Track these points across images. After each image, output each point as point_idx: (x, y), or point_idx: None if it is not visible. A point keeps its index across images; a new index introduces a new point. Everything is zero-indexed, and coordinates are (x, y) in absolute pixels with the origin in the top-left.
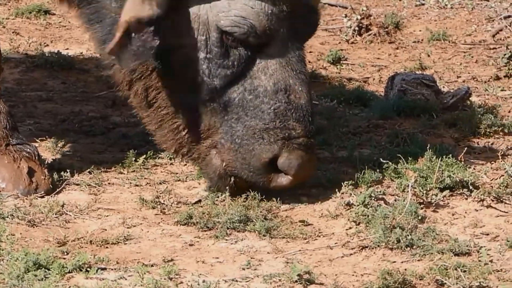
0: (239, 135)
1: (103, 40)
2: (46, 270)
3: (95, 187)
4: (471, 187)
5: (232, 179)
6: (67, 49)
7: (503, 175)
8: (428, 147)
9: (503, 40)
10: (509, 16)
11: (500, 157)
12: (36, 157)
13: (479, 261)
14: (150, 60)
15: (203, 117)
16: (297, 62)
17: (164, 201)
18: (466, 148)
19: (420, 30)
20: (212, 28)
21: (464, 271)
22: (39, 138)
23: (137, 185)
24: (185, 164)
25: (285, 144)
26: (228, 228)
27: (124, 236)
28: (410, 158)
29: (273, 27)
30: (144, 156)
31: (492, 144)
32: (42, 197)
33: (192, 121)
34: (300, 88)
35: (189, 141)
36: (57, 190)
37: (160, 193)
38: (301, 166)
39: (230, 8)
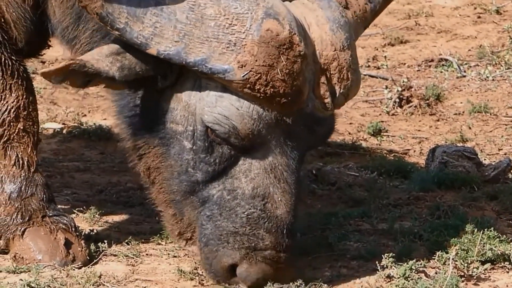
0: (207, 233)
1: (119, 112)
2: None
3: (133, 258)
4: None
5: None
6: (105, 119)
7: None
8: (469, 220)
9: None
10: None
11: None
12: (73, 229)
13: None
14: (148, 137)
15: (185, 210)
16: (284, 170)
17: (202, 272)
18: (507, 221)
19: (461, 102)
20: (198, 120)
21: None
22: (76, 209)
23: (175, 256)
24: None
25: (248, 254)
26: None
27: None
28: (451, 231)
29: (260, 132)
30: None
31: None
32: (79, 268)
33: (180, 211)
34: (279, 198)
35: (187, 230)
36: (94, 261)
37: (198, 264)
38: (259, 281)
39: (216, 104)
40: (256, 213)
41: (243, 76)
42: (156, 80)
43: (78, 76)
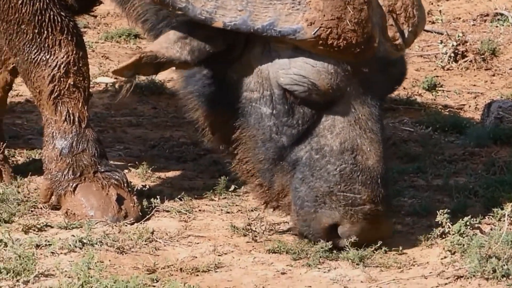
0: (301, 196)
1: (186, 82)
2: None
3: (186, 214)
4: None
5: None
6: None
7: None
8: None
9: None
10: None
11: None
12: (125, 184)
13: None
14: (221, 109)
15: (275, 176)
16: (367, 120)
17: (255, 228)
18: None
19: None
20: (273, 84)
21: None
22: (129, 164)
23: (228, 212)
24: None
25: (347, 212)
26: (321, 257)
27: (215, 264)
28: (506, 187)
29: (338, 86)
30: (236, 182)
31: None
32: (132, 224)
33: (269, 179)
34: (368, 148)
35: (274, 197)
36: (147, 217)
37: (252, 220)
38: (363, 239)
39: (290, 65)
40: (348, 168)
41: (314, 34)
42: (224, 52)
43: (149, 66)
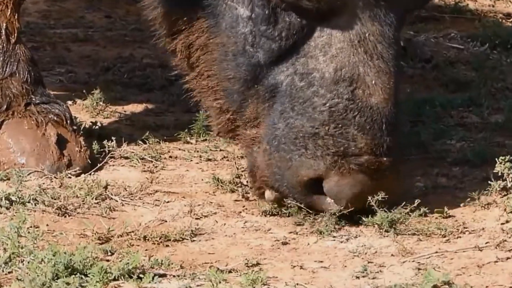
0: (278, 134)
1: None
2: (83, 277)
3: (151, 161)
4: None
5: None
6: None
7: None
8: None
9: None
10: None
11: None
12: (68, 121)
13: None
14: (187, 5)
15: (248, 100)
16: (377, 42)
17: (247, 182)
18: None
19: None
20: None
21: None
22: (73, 94)
23: (209, 160)
24: None
25: (337, 162)
26: (336, 221)
27: (192, 231)
28: None
29: None
30: None
31: None
32: (78, 175)
33: (237, 103)
34: (373, 81)
35: (235, 126)
36: (98, 165)
37: (242, 171)
38: (357, 197)
39: None
40: (342, 104)
41: None
42: None
43: None
